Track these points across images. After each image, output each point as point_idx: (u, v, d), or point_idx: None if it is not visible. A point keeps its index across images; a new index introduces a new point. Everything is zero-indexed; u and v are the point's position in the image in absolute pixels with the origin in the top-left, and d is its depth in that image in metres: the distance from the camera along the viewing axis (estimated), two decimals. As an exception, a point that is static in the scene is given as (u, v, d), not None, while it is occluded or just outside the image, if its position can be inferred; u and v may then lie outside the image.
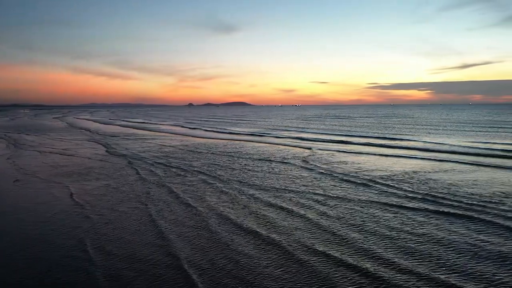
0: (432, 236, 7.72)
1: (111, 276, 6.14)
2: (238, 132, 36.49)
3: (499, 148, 21.33)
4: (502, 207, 9.57)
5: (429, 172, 14.43)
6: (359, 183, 12.62)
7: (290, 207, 9.77)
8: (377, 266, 6.37)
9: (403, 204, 9.95)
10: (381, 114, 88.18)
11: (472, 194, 10.91)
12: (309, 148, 22.81)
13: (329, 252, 6.93)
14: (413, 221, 8.65)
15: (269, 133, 34.85)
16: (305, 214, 9.18)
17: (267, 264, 6.49)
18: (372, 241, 7.46)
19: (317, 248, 7.10)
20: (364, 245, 7.25)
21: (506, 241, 7.40)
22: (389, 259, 6.61)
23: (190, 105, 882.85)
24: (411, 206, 9.81)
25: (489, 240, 7.48)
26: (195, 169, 15.38)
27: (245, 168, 15.51)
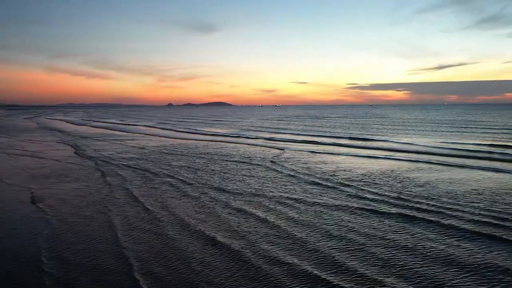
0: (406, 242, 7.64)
1: (65, 285, 5.85)
2: (215, 133, 36.16)
3: (471, 149, 21.67)
4: (474, 211, 9.62)
5: (406, 171, 14.50)
6: (331, 186, 12.53)
7: (256, 212, 9.52)
8: (348, 279, 6.22)
9: (376, 208, 9.87)
10: (360, 115, 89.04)
11: (447, 192, 11.03)
12: (282, 149, 22.71)
13: (294, 262, 6.71)
14: (384, 224, 8.58)
15: (244, 134, 34.63)
16: (272, 220, 8.93)
17: (226, 273, 6.23)
18: (336, 247, 7.32)
19: (281, 258, 6.90)
20: (320, 248, 7.10)
21: (474, 245, 7.40)
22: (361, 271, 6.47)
23: (170, 105, 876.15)
24: (384, 210, 9.72)
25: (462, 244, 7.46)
26: (163, 171, 15.06)
27: (214, 170, 15.26)
